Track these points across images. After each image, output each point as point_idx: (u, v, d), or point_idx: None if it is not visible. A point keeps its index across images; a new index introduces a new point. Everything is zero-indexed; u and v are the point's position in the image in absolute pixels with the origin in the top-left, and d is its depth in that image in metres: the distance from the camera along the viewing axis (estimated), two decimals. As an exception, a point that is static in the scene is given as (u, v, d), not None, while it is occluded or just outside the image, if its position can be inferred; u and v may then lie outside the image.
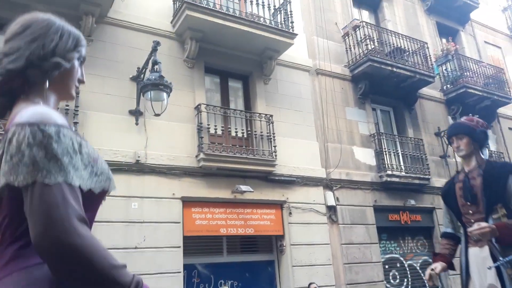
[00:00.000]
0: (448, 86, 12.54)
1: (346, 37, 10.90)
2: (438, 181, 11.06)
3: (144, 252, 6.90)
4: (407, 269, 10.14)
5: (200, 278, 7.81)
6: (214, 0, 8.36)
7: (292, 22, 9.11)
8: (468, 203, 2.84)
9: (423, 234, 10.77)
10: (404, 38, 11.41)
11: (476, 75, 12.81)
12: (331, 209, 9.14)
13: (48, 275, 0.95)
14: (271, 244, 8.69)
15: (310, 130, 9.50)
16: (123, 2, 7.95)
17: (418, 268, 10.31)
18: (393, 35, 11.26)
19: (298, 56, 9.97)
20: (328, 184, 9.30)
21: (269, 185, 8.53)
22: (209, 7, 8.02)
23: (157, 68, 6.65)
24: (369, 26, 10.93)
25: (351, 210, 9.39)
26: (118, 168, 6.94)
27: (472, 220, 2.79)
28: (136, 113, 7.44)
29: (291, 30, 8.98)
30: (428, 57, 11.60)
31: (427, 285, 2.90)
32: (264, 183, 8.47)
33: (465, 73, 12.50)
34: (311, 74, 10.14)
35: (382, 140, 10.49)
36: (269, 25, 8.72)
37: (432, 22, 13.82)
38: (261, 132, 8.55)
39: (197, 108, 8.02)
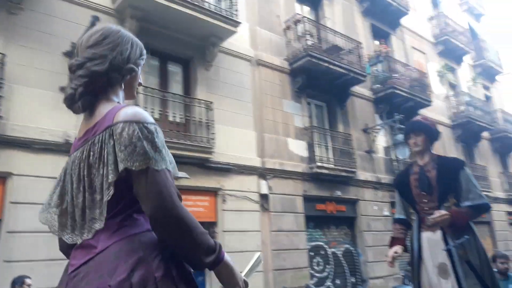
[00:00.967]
0: (378, 86, 13.32)
1: (287, 30, 11.13)
2: (363, 174, 11.81)
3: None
4: (330, 256, 10.74)
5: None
6: (158, -21, 8.10)
7: (236, 10, 9.11)
8: (424, 193, 3.19)
9: (347, 224, 11.46)
10: (341, 37, 11.90)
11: (403, 77, 13.74)
12: (264, 198, 9.40)
13: (152, 241, 1.20)
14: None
15: (248, 119, 9.64)
16: (59, -30, 7.43)
17: (340, 255, 10.97)
18: (331, 32, 11.69)
19: (240, 45, 10.00)
20: (263, 173, 9.53)
21: (205, 172, 8.55)
22: (153, -14, 7.76)
23: (94, 45, 6.33)
24: (309, 22, 11.24)
25: (282, 198, 9.73)
26: (45, 147, 6.59)
27: (426, 208, 3.16)
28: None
29: (235, 18, 8.98)
30: (362, 57, 12.22)
31: (387, 264, 3.23)
32: (200, 170, 8.48)
33: (394, 75, 13.35)
34: (252, 64, 10.24)
35: (314, 133, 10.93)
36: (214, 11, 8.64)
37: (367, 24, 14.53)
38: (200, 118, 8.52)
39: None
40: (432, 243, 3.12)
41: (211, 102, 8.68)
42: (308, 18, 11.42)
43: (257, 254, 2.50)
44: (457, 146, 17.00)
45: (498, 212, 18.03)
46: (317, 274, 10.20)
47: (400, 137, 11.32)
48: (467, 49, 18.67)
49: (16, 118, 6.47)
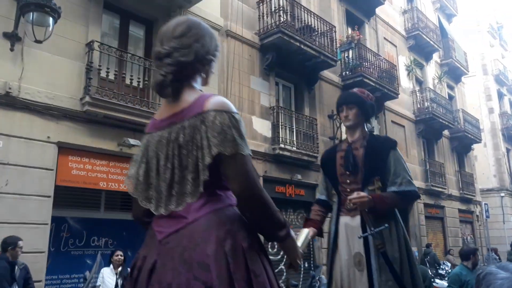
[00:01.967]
0: (347, 72, 13.12)
1: (261, 4, 10.64)
2: (325, 161, 11.60)
3: (4, 197, 5.97)
4: (286, 240, 10.51)
5: (70, 233, 7.09)
6: None
7: (208, -26, 8.55)
8: (348, 173, 2.80)
9: (304, 208, 11.25)
10: (315, 17, 11.55)
11: (373, 66, 13.60)
12: (222, 175, 8.98)
13: (235, 215, 1.37)
14: (155, 204, 8.25)
15: (212, 91, 8.98)
16: None
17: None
18: (305, 11, 11.30)
19: (210, 12, 9.43)
20: (222, 149, 9.10)
21: (161, 142, 8.02)
22: None
23: (44, -13, 5.64)
24: (284, -2, 10.79)
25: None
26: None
27: (349, 190, 2.77)
28: (13, 37, 6.28)
29: (206, -18, 8.41)
30: (334, 41, 11.94)
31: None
32: (156, 140, 7.94)
33: (364, 63, 13.18)
34: (221, 35, 9.71)
35: (280, 114, 10.59)
36: (184, -30, 8.04)
37: (342, 9, 14.25)
38: (160, 84, 7.94)
39: (89, 45, 7.10)
40: (349, 230, 2.74)
41: (173, 69, 8.10)
42: (283, -7, 10.95)
43: (305, 230, 2.73)
44: (419, 141, 17.22)
45: (451, 208, 18.54)
46: (271, 257, 9.93)
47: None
48: (436, 46, 18.86)
49: None
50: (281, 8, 10.46)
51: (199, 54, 1.44)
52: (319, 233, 2.94)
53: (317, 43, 11.26)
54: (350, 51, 13.20)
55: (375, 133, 13.38)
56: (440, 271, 10.65)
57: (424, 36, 17.86)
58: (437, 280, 10.22)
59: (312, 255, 11.11)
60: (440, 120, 17.18)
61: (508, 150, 26.06)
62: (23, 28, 6.16)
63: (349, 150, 2.83)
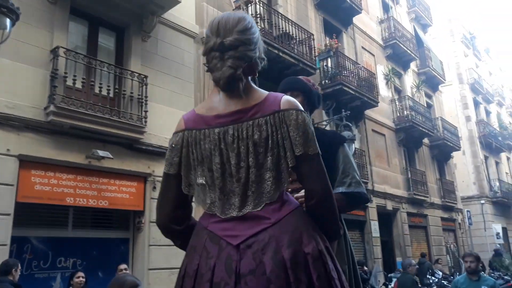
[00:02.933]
0: (326, 81, 12.94)
1: (237, 11, 10.36)
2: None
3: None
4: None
5: (34, 254, 6.51)
6: None
7: (181, -22, 8.24)
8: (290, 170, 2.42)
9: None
10: (293, 25, 11.36)
11: (352, 75, 13.48)
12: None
13: (307, 215, 1.36)
14: (128, 220, 7.74)
15: (188, 100, 8.74)
16: None
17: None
18: (283, 19, 11.11)
19: (184, 19, 9.10)
20: (200, 160, 8.69)
21: (134, 154, 7.57)
22: None
23: (1, -13, 5.20)
24: (261, 5, 10.57)
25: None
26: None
27: (290, 190, 2.40)
28: (-33, 42, 5.81)
29: (179, -13, 8.10)
30: (313, 49, 11.75)
31: None
32: (128, 152, 7.49)
33: (343, 72, 13.04)
34: (196, 42, 9.37)
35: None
36: (155, -25, 7.71)
37: (319, 18, 14.16)
38: (132, 93, 7.52)
39: (54, 51, 6.65)
40: None
41: (145, 76, 7.71)
42: (260, 0, 10.74)
43: None
44: (400, 150, 17.14)
45: (434, 217, 18.44)
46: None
47: (346, 133, 10.96)
48: (413, 55, 18.98)
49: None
50: (258, 15, 10.22)
51: (260, 51, 1.41)
52: None
53: (296, 51, 11.04)
54: (329, 60, 13.04)
55: (354, 142, 13.21)
56: (430, 281, 10.41)
57: (401, 45, 17.95)
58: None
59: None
60: (420, 128, 17.17)
61: (486, 158, 26.35)
62: (-21, 32, 5.69)
63: None
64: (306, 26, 12.76)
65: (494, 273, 13.66)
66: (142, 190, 7.72)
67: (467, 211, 17.59)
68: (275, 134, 1.29)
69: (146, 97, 7.63)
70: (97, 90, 7.15)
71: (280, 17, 11.11)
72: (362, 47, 16.37)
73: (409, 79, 19.69)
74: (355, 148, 13.34)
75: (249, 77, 1.41)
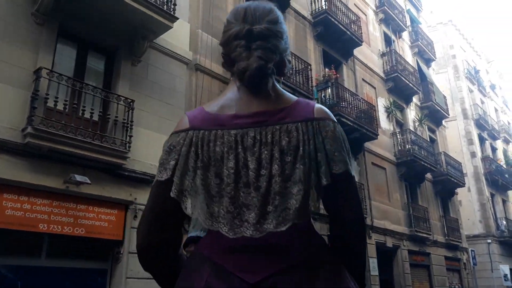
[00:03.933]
0: (325, 112, 12.70)
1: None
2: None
3: None
4: None
5: (2, 284, 6.13)
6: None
7: (174, 5, 8.19)
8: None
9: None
10: (291, 55, 11.24)
11: (351, 106, 13.27)
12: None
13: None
14: (107, 250, 7.35)
15: (177, 127, 8.51)
16: None
17: None
18: (280, 48, 11.01)
19: (178, 45, 9.02)
20: (187, 189, 8.36)
21: (116, 181, 7.28)
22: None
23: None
24: (258, 34, 10.51)
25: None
26: None
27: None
28: None
29: (172, 12, 8.03)
30: (310, 79, 11.61)
31: None
32: (110, 178, 7.20)
33: (341, 103, 12.83)
34: (189, 68, 9.25)
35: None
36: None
37: (319, 49, 14.11)
38: (116, 117, 7.31)
39: (37, 72, 6.51)
40: None
41: (132, 101, 7.52)
42: (256, 29, 10.69)
43: None
44: (401, 184, 16.68)
45: (437, 256, 17.72)
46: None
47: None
48: (416, 89, 18.82)
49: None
50: (254, 44, 10.14)
51: (288, 47, 1.22)
52: None
53: (292, 81, 10.89)
54: (328, 90, 12.88)
55: (356, 177, 12.85)
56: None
57: (403, 79, 17.82)
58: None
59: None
60: (422, 162, 16.76)
61: (492, 195, 25.69)
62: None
63: None
64: (304, 56, 12.68)
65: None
66: (123, 219, 7.38)
67: (472, 250, 16.88)
68: (307, 143, 1.07)
69: (131, 121, 7.41)
70: (80, 113, 6.96)
71: (277, 46, 11.02)
72: (363, 79, 16.25)
73: (412, 113, 19.45)
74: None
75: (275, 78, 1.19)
